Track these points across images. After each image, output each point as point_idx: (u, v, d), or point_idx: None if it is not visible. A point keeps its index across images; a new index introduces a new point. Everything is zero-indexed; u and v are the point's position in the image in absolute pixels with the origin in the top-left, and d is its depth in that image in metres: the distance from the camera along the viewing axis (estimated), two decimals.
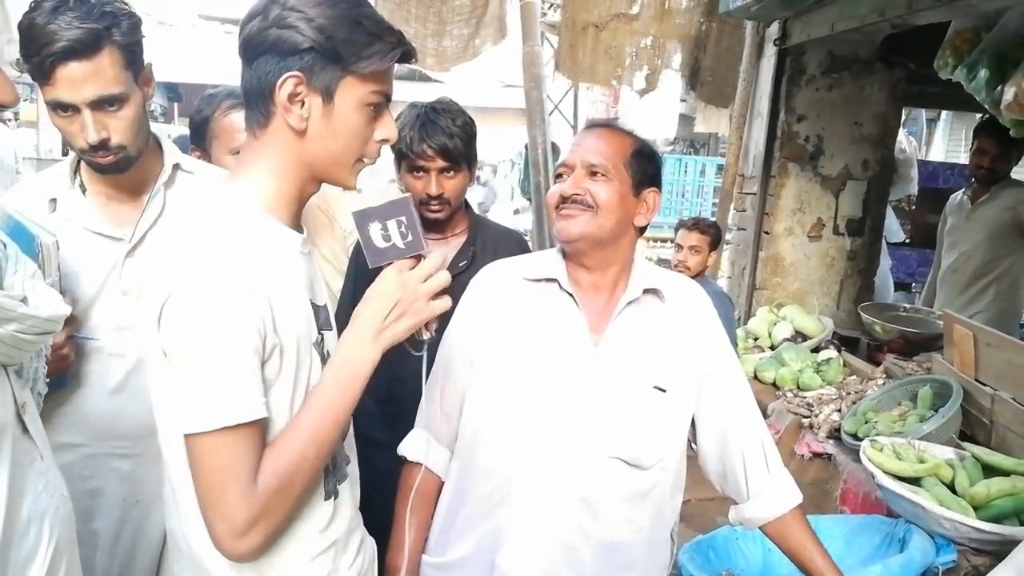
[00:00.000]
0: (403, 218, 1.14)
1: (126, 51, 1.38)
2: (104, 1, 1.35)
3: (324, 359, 1.17)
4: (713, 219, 3.82)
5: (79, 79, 1.33)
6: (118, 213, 1.50)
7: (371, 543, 1.35)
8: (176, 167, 1.56)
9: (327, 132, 1.10)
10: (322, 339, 1.17)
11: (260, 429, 1.05)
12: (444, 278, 1.16)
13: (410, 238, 1.14)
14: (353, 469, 1.29)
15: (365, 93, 1.11)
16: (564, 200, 1.45)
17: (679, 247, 3.32)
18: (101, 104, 1.36)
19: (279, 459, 1.04)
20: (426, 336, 1.19)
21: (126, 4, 1.41)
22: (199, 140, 2.00)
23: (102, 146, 1.39)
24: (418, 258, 1.16)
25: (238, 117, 1.91)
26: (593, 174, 1.44)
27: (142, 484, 1.50)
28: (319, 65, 1.07)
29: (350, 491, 1.27)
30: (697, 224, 3.37)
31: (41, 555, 0.93)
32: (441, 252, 2.00)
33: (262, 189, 1.12)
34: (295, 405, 1.10)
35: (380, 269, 1.16)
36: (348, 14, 1.08)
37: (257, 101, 1.10)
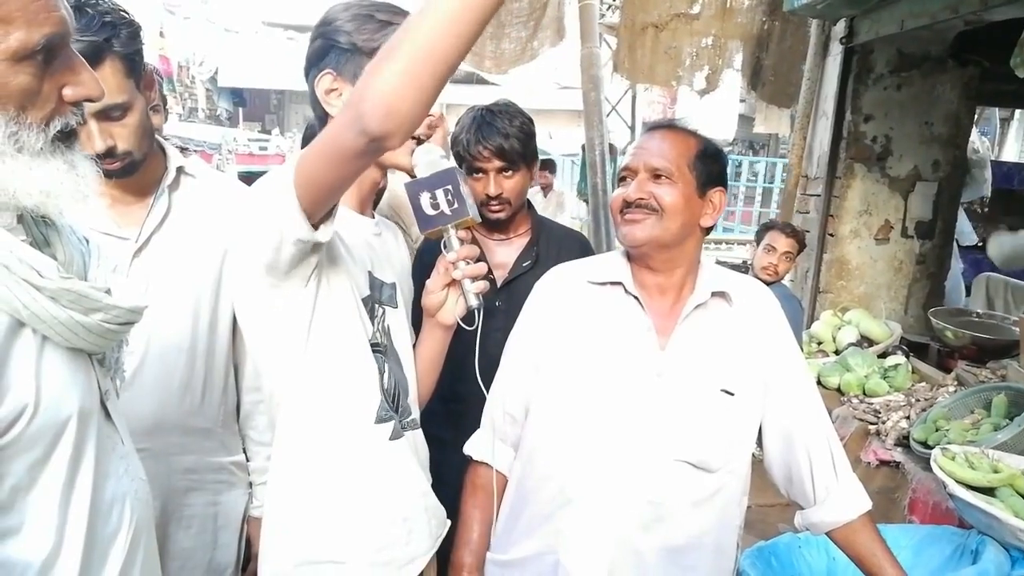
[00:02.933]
0: (449, 186, 1.21)
1: (127, 60, 1.38)
2: (104, 11, 1.35)
3: (376, 326, 1.29)
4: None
5: None
6: (123, 214, 1.51)
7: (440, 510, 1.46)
8: (180, 170, 1.58)
9: None
10: (384, 313, 1.30)
11: None
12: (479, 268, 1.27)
13: (456, 205, 1.22)
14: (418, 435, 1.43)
15: None
16: (628, 205, 1.44)
17: (770, 249, 3.21)
18: (106, 114, 1.37)
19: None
20: (475, 303, 1.26)
21: (125, 13, 1.41)
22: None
23: (109, 154, 1.40)
24: (468, 227, 1.25)
25: None
26: (657, 177, 1.43)
27: (152, 480, 1.48)
28: (343, 58, 1.22)
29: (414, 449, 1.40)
30: (794, 231, 3.28)
31: (123, 535, 0.97)
32: (505, 252, 2.04)
33: None
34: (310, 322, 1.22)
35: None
36: (360, 12, 1.23)
37: (315, 109, 1.26)
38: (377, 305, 1.31)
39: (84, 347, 0.92)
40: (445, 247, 1.26)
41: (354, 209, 1.29)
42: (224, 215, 1.61)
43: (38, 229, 0.93)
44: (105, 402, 0.99)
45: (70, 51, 0.89)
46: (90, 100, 0.92)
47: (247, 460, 1.68)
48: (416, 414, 1.43)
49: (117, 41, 1.35)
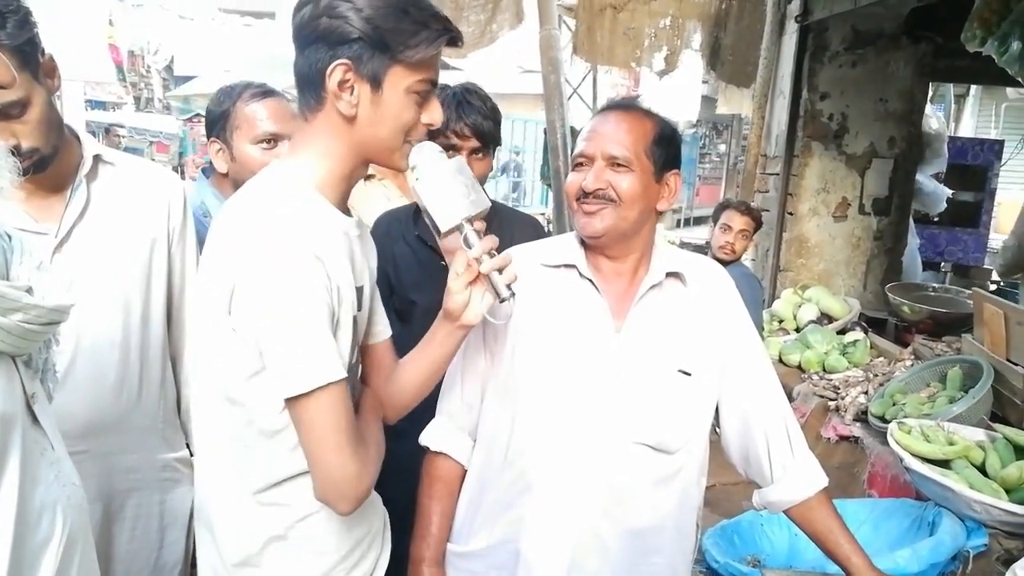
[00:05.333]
0: (463, 177, 1.19)
1: (18, 52, 1.26)
2: None
3: (355, 336, 1.22)
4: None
5: None
6: (39, 208, 1.43)
7: (383, 510, 1.40)
8: (97, 158, 1.50)
9: (376, 118, 1.15)
10: (355, 319, 1.21)
11: (347, 386, 1.12)
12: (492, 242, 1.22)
13: (473, 195, 1.20)
14: None
15: (412, 81, 1.14)
16: (585, 194, 1.41)
17: (726, 228, 3.23)
18: (3, 112, 1.27)
19: (377, 414, 1.20)
20: (507, 294, 1.21)
21: (10, 0, 1.29)
22: (218, 131, 1.99)
23: (14, 154, 1.28)
24: (484, 219, 1.22)
25: (259, 106, 1.90)
26: (614, 165, 1.40)
27: (92, 482, 1.41)
28: (367, 54, 1.10)
29: None
30: (749, 208, 3.29)
31: (55, 544, 0.94)
32: (457, 238, 2.02)
33: (314, 170, 1.17)
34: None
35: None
36: (395, 3, 1.11)
37: (308, 87, 1.14)
38: (356, 320, 1.23)
39: (4, 349, 0.88)
40: (465, 243, 1.21)
41: (336, 204, 1.19)
42: (149, 203, 1.55)
43: None
44: (32, 406, 0.95)
45: None
46: (1, 87, 0.87)
47: (191, 456, 1.64)
48: None
49: (3, 33, 1.23)
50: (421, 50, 1.12)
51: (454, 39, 1.16)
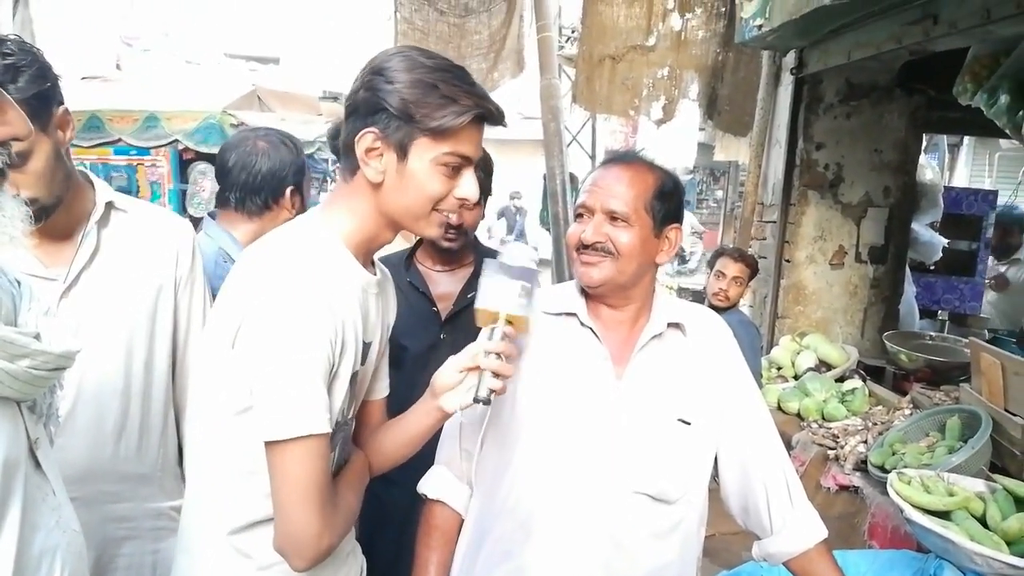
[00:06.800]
0: (530, 285, 1.23)
1: (27, 105, 1.26)
2: (7, 52, 1.29)
3: (352, 391, 1.23)
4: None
5: None
6: (49, 253, 1.45)
7: (361, 558, 1.41)
8: (109, 205, 1.52)
9: (400, 186, 1.19)
10: (355, 374, 1.22)
11: (329, 442, 1.14)
12: (509, 364, 1.24)
13: (526, 302, 1.23)
14: None
15: (439, 153, 1.18)
16: (584, 246, 1.43)
17: (720, 275, 3.24)
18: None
19: (361, 481, 1.22)
20: (483, 395, 1.22)
21: (35, 52, 1.34)
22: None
23: None
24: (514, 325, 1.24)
25: None
26: (613, 219, 1.42)
27: (85, 529, 1.33)
28: (394, 124, 1.16)
29: None
30: (743, 255, 3.31)
31: None
32: (449, 283, 2.04)
33: (342, 225, 1.23)
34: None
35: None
36: (426, 78, 1.16)
37: (347, 152, 1.22)
38: (356, 376, 1.24)
39: (10, 395, 0.88)
40: (490, 334, 1.24)
41: (361, 261, 1.24)
42: (158, 249, 1.57)
43: None
44: (35, 451, 0.95)
45: None
46: (17, 139, 0.89)
47: None
48: None
49: (13, 86, 1.28)
50: (445, 122, 1.15)
51: (488, 116, 1.20)
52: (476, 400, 1.22)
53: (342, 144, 1.23)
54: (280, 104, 6.66)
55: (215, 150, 4.72)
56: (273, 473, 1.11)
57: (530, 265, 1.26)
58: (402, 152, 1.17)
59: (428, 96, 1.15)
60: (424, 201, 1.20)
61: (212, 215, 2.08)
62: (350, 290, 1.20)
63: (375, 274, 1.28)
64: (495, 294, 1.22)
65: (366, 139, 1.17)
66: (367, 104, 1.17)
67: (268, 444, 1.10)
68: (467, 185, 1.23)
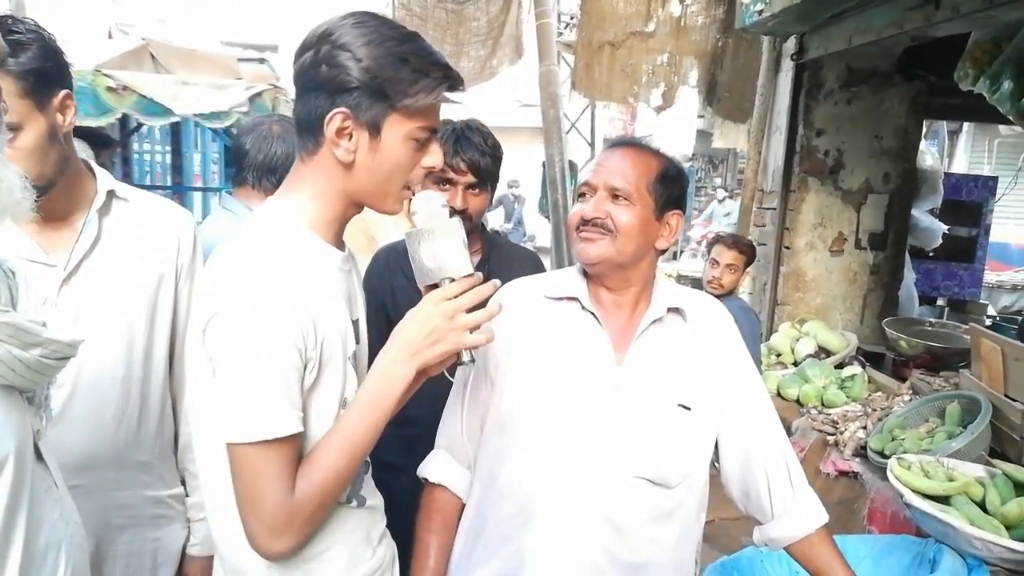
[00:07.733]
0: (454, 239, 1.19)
1: (23, 79, 1.30)
2: (12, 30, 1.29)
3: (356, 372, 1.21)
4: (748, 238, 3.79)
5: None
6: (50, 239, 1.45)
7: (392, 545, 1.39)
8: (111, 194, 1.51)
9: (373, 165, 1.15)
10: (355, 354, 1.21)
11: (295, 442, 1.11)
12: (487, 313, 1.20)
13: (464, 255, 1.20)
14: (369, 480, 1.34)
15: (411, 128, 1.15)
16: (585, 223, 1.43)
17: (715, 263, 3.24)
18: None
19: (316, 470, 1.11)
20: (466, 359, 1.21)
21: (36, 32, 1.34)
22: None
23: None
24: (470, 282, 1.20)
25: None
26: (615, 197, 1.42)
27: (85, 518, 1.35)
28: (366, 102, 1.11)
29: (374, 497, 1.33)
30: (737, 242, 3.30)
31: None
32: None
33: (306, 209, 1.18)
34: (332, 416, 1.16)
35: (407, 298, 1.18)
36: (394, 51, 1.11)
37: (307, 131, 1.16)
38: (355, 351, 1.23)
39: (20, 384, 0.88)
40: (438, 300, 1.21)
41: (328, 241, 1.20)
42: (159, 238, 1.56)
43: None
44: (37, 443, 0.94)
45: None
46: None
47: (186, 495, 1.62)
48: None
49: (14, 59, 1.28)
50: (420, 98, 1.12)
51: (455, 85, 1.17)
52: (459, 362, 1.22)
53: (298, 121, 1.17)
54: (182, 64, 5.24)
55: (87, 122, 4.13)
56: (232, 473, 1.09)
57: (443, 213, 1.22)
58: (374, 130, 1.13)
59: (400, 72, 1.11)
60: (397, 177, 1.18)
61: (229, 192, 2.20)
62: (326, 273, 1.18)
63: (343, 250, 1.25)
64: (428, 266, 1.19)
65: (336, 120, 1.11)
66: (332, 82, 1.11)
67: (227, 445, 1.08)
68: (436, 153, 1.20)
